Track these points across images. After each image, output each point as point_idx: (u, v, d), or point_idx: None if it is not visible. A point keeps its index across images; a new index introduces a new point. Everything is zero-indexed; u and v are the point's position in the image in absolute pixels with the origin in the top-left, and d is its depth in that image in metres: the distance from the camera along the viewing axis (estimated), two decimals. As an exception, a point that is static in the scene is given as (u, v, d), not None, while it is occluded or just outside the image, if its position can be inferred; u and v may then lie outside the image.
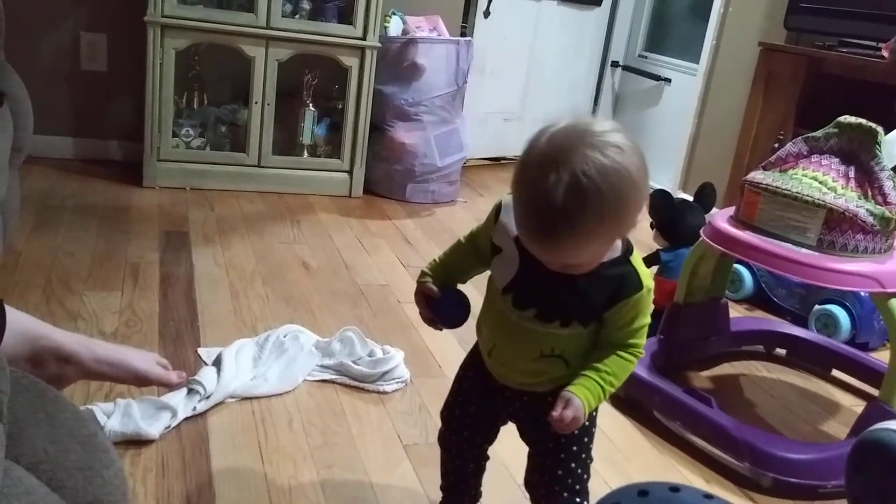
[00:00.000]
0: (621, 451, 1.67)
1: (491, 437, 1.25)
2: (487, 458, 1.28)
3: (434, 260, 1.18)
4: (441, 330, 1.19)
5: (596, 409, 1.11)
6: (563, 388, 1.04)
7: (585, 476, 1.15)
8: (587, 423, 1.12)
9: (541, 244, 0.95)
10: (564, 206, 0.89)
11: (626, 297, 1.02)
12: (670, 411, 1.76)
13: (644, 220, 1.04)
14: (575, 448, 1.13)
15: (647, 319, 1.06)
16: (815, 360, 2.20)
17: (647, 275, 1.06)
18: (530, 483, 1.17)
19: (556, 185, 0.88)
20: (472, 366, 1.20)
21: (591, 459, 1.17)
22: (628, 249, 1.05)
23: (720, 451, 1.66)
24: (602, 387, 1.03)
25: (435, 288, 1.14)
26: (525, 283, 1.05)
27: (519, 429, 1.20)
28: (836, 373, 2.17)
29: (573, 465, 1.13)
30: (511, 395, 1.15)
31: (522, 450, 1.19)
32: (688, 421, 1.72)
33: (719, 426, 1.66)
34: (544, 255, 0.98)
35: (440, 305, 1.13)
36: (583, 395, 1.01)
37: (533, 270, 1.02)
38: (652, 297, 1.06)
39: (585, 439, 1.14)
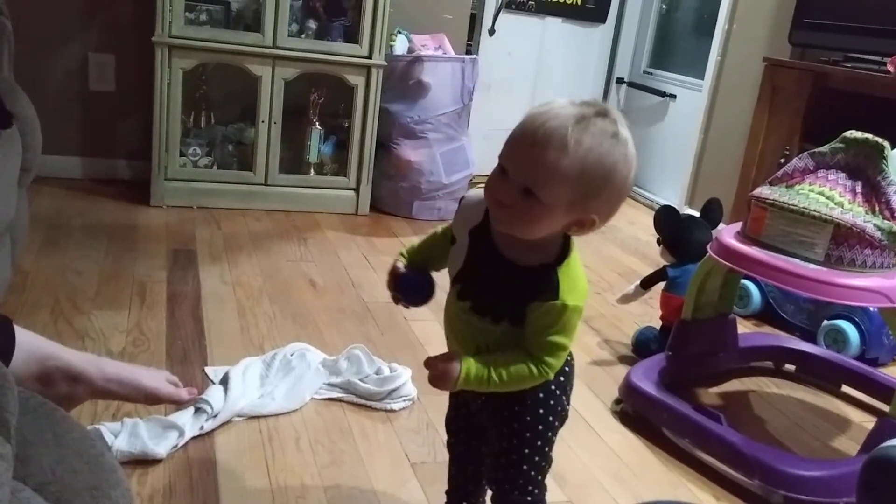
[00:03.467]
0: (630, 469, 1.66)
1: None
2: None
3: (412, 244, 1.23)
4: (407, 307, 1.21)
5: (552, 413, 1.14)
6: (508, 393, 1.11)
7: (539, 477, 1.18)
8: (540, 427, 1.14)
9: (526, 148, 0.97)
10: (547, 129, 0.95)
11: (539, 300, 1.03)
12: (679, 428, 1.75)
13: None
14: (527, 451, 1.15)
15: (564, 340, 1.05)
16: (824, 375, 2.19)
17: (571, 291, 1.03)
18: (488, 479, 1.22)
19: (546, 121, 0.96)
20: None
21: (549, 463, 1.19)
22: (561, 257, 1.05)
23: (730, 469, 1.65)
24: (489, 372, 1.04)
25: (401, 266, 1.18)
26: (468, 274, 1.10)
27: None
28: (845, 388, 2.15)
29: (525, 466, 1.16)
30: (472, 393, 1.19)
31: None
32: (697, 438, 1.71)
33: (729, 443, 1.65)
34: (511, 158, 0.99)
35: (403, 282, 1.18)
36: (466, 364, 1.04)
37: (477, 262, 1.08)
38: (575, 318, 1.04)
39: (539, 443, 1.15)
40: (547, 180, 0.96)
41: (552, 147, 0.95)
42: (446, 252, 1.16)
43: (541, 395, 1.13)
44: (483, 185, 1.04)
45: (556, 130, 0.95)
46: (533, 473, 1.16)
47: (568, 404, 1.18)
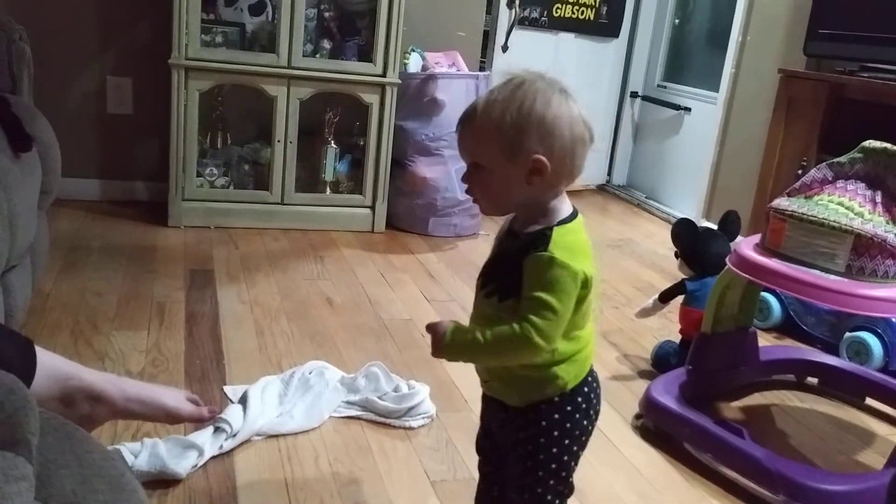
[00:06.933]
0: (652, 485, 1.65)
1: None
2: None
3: None
4: None
5: (567, 436, 1.12)
6: (514, 407, 1.13)
7: (557, 502, 1.15)
8: (555, 449, 1.12)
9: (459, 132, 1.09)
10: (477, 104, 1.08)
11: (531, 252, 1.04)
12: (701, 443, 1.73)
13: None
14: (541, 474, 1.13)
15: (551, 300, 1.01)
16: (847, 388, 2.16)
17: (562, 248, 1.03)
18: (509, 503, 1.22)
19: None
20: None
21: (568, 488, 1.16)
22: (558, 223, 1.07)
23: (754, 484, 1.63)
24: (475, 338, 1.05)
25: None
26: (489, 262, 1.15)
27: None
28: (869, 401, 2.12)
29: (539, 490, 1.14)
30: (487, 404, 1.21)
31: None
32: (719, 453, 1.69)
33: (752, 458, 1.63)
34: (460, 145, 1.10)
35: None
36: (452, 328, 1.07)
37: (499, 252, 1.14)
38: (564, 277, 1.02)
39: (553, 465, 1.13)
40: (476, 146, 1.07)
41: (467, 121, 1.07)
42: None
43: (556, 416, 1.11)
44: None
45: (466, 109, 1.09)
46: (549, 498, 1.14)
47: (590, 429, 1.15)
